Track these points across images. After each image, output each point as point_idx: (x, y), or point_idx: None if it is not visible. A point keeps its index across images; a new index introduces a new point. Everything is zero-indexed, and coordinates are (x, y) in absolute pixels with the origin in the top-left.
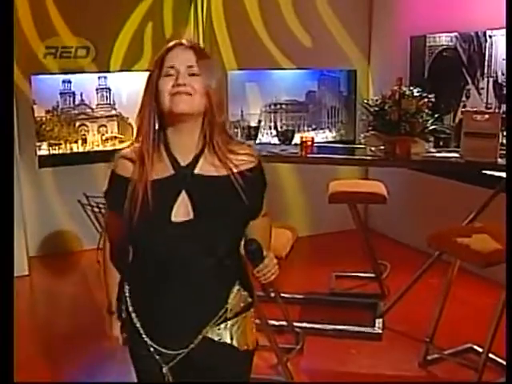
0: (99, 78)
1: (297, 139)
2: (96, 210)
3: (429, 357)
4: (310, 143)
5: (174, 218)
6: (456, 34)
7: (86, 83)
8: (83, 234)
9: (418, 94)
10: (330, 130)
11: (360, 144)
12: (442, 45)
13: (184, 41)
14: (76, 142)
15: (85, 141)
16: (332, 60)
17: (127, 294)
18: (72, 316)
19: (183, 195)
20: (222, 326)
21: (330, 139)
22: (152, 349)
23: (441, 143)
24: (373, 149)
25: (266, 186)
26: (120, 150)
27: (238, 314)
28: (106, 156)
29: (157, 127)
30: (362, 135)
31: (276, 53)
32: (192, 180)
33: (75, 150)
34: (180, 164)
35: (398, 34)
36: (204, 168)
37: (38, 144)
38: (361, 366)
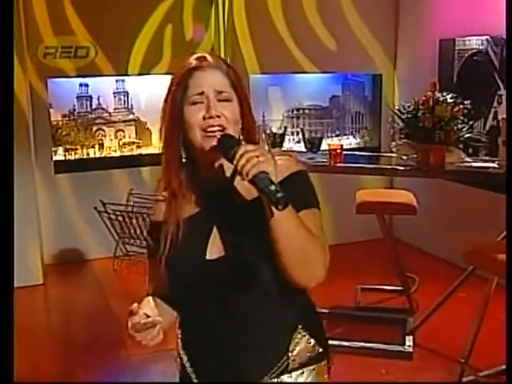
0: (117, 81)
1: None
2: (113, 217)
3: (464, 379)
4: (339, 151)
5: (208, 256)
6: (487, 37)
7: (103, 87)
8: (99, 242)
9: (452, 100)
10: (354, 137)
11: (388, 152)
12: (473, 48)
13: (209, 57)
14: (93, 147)
15: (102, 146)
16: (357, 64)
17: (179, 337)
18: (87, 325)
19: (215, 230)
20: (285, 376)
21: (354, 146)
22: None
23: (470, 151)
24: (404, 157)
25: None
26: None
27: (303, 366)
28: (123, 162)
29: (184, 158)
30: (394, 143)
31: (299, 56)
32: (222, 212)
33: (92, 155)
34: (210, 196)
35: (425, 37)
36: (241, 187)
37: (54, 149)
38: None
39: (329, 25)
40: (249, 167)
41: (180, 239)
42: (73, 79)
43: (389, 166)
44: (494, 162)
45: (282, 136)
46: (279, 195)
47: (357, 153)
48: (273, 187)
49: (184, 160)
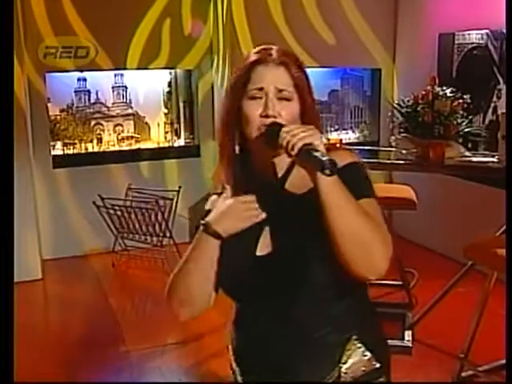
0: (115, 75)
1: None
2: (111, 212)
3: (463, 373)
4: (338, 146)
5: (258, 252)
6: (487, 31)
7: (101, 81)
8: (98, 237)
9: (451, 95)
10: (353, 131)
11: (387, 146)
12: (472, 43)
13: (274, 52)
14: (91, 141)
15: (100, 140)
16: (356, 58)
17: (230, 345)
18: (86, 320)
19: (266, 229)
20: None
21: (353, 140)
22: None
23: (469, 145)
24: (404, 152)
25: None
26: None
27: (356, 382)
28: (122, 156)
29: (238, 150)
30: (393, 138)
31: (298, 51)
32: (274, 208)
33: (90, 149)
34: (263, 192)
35: (425, 32)
36: (293, 186)
37: (52, 143)
38: None
39: (328, 19)
40: (295, 141)
41: (233, 234)
42: (71, 73)
43: (388, 161)
44: (493, 156)
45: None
46: (325, 159)
47: (356, 147)
48: (319, 153)
49: (239, 153)
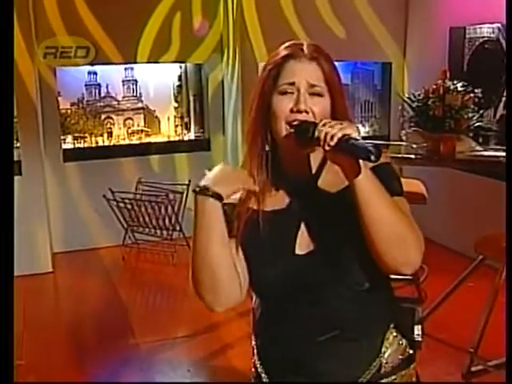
0: (125, 69)
1: None
2: (121, 205)
3: (473, 368)
4: None
5: (298, 251)
6: (498, 25)
7: (112, 75)
8: (108, 230)
9: (462, 89)
10: (363, 125)
11: (397, 140)
12: (483, 36)
13: (305, 47)
14: (101, 135)
15: (110, 134)
16: (366, 52)
17: (254, 345)
18: (96, 312)
19: (303, 225)
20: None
21: (363, 134)
22: None
23: (480, 140)
24: (414, 146)
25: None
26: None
27: (395, 371)
28: (132, 150)
29: (268, 147)
30: (403, 132)
31: None
32: (309, 207)
33: (100, 143)
34: (295, 191)
35: (435, 26)
36: (325, 184)
37: (63, 137)
38: None
39: (338, 13)
40: (334, 132)
41: (266, 233)
42: (81, 67)
43: (398, 155)
44: (504, 151)
45: None
46: (370, 147)
47: (366, 141)
48: (361, 142)
49: (268, 150)
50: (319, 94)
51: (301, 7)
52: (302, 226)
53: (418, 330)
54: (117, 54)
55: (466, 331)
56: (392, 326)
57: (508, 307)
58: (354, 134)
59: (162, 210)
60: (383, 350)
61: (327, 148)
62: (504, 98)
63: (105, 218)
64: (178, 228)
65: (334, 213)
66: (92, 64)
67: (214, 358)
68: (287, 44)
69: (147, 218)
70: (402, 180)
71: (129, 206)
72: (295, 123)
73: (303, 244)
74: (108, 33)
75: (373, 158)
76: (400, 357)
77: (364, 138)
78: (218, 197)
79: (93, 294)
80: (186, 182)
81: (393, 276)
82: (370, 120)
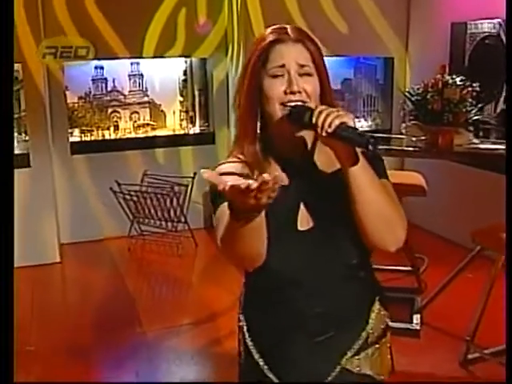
0: (132, 64)
1: None
2: (127, 197)
3: (470, 356)
4: None
5: (300, 227)
6: (499, 20)
7: (118, 69)
8: (114, 222)
9: (461, 83)
10: (366, 119)
11: (399, 134)
12: (484, 32)
13: (290, 30)
14: (108, 128)
15: (117, 127)
16: (369, 47)
17: (244, 324)
18: (102, 302)
19: (302, 205)
20: (363, 354)
21: (366, 128)
22: None
23: (481, 133)
24: (414, 139)
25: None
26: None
27: (378, 340)
28: (138, 143)
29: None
30: (403, 125)
31: None
32: (307, 186)
33: (107, 136)
34: (292, 170)
35: (437, 21)
36: (319, 164)
37: (70, 130)
38: (398, 364)
39: (341, 8)
40: (331, 119)
41: (271, 208)
42: (88, 62)
43: (398, 147)
44: (501, 144)
45: None
46: (367, 136)
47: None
48: (359, 131)
49: (259, 132)
50: (309, 74)
51: (304, 3)
52: (302, 203)
53: (416, 319)
54: (123, 49)
55: (465, 321)
56: (377, 298)
57: (508, 305)
58: (351, 122)
59: (168, 203)
60: (370, 321)
61: (324, 134)
62: (504, 93)
63: (111, 209)
64: (182, 220)
65: (329, 192)
66: (99, 59)
67: (217, 345)
68: (271, 29)
69: (153, 210)
70: (403, 173)
71: (135, 198)
72: (291, 105)
73: (304, 220)
74: (115, 28)
75: (371, 147)
76: (382, 326)
77: (367, 131)
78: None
79: (99, 283)
80: (191, 175)
81: (393, 267)
82: (372, 114)
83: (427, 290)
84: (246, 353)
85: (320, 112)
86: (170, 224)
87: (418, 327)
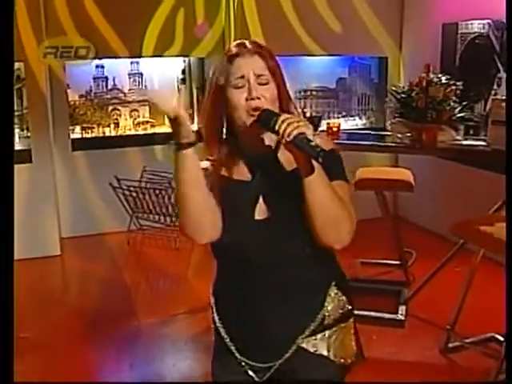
0: (131, 63)
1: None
2: (127, 193)
3: (450, 344)
4: (336, 129)
5: (257, 216)
6: (489, 21)
7: (118, 68)
8: (114, 217)
9: (445, 82)
10: (360, 118)
11: (389, 131)
12: (475, 32)
13: (248, 44)
14: (108, 125)
15: (117, 125)
16: (363, 47)
17: (213, 303)
18: (101, 294)
19: (261, 197)
20: (319, 336)
21: (360, 126)
22: (243, 363)
23: (471, 132)
24: (400, 136)
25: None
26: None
27: (336, 323)
28: (137, 140)
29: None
30: (389, 122)
31: (307, 39)
32: (267, 181)
33: (107, 133)
34: (256, 167)
35: (429, 21)
36: (282, 160)
37: (71, 127)
38: (382, 353)
39: (335, 8)
40: (290, 129)
41: (231, 198)
42: (89, 61)
43: (382, 143)
44: (484, 140)
45: (319, 119)
46: (318, 149)
47: (357, 132)
48: (312, 143)
49: (225, 136)
50: (266, 83)
51: (299, 3)
52: (261, 196)
53: (401, 310)
54: (123, 49)
55: (448, 311)
56: (333, 284)
57: (508, 305)
58: (309, 132)
59: (166, 198)
60: (326, 304)
61: (283, 142)
62: (493, 92)
63: (111, 204)
64: None
65: (287, 188)
66: (99, 58)
67: (210, 333)
68: (233, 44)
69: (151, 205)
70: (393, 169)
71: (134, 194)
72: (258, 112)
73: (261, 211)
74: (115, 28)
75: (320, 160)
76: (340, 311)
77: (361, 129)
78: (191, 144)
79: (99, 276)
80: None
81: (383, 261)
82: (366, 112)
83: (415, 283)
84: (216, 331)
85: (282, 121)
86: (168, 218)
87: (402, 318)
